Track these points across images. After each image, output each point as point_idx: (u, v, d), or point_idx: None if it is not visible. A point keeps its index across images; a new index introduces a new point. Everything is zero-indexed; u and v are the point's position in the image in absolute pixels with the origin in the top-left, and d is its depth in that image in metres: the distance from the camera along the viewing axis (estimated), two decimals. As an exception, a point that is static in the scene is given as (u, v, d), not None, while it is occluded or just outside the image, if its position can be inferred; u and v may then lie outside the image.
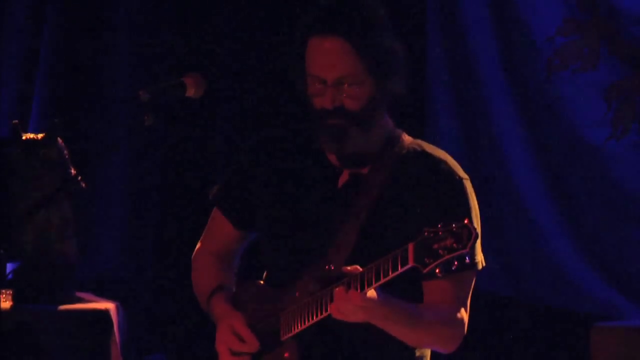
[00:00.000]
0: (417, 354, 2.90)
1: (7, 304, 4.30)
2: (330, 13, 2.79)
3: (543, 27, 5.11)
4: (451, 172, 2.85)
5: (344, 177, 2.89)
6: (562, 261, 5.10)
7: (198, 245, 3.15)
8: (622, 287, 5.02)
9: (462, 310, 2.82)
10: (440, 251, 2.50)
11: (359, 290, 2.62)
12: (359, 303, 2.63)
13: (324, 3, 2.83)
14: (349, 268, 2.67)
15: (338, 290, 2.65)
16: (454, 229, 2.50)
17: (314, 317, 2.73)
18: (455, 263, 2.51)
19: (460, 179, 2.85)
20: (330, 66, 2.77)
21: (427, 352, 2.94)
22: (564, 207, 5.12)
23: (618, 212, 5.02)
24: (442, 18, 5.29)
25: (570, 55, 5.06)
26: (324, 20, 2.79)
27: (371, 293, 2.64)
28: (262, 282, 3.00)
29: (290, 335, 2.82)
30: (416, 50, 5.09)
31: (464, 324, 2.83)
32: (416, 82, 4.98)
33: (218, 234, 3.08)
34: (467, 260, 2.53)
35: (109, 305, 4.36)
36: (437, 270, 2.51)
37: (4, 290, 4.36)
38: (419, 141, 2.94)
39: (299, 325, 2.78)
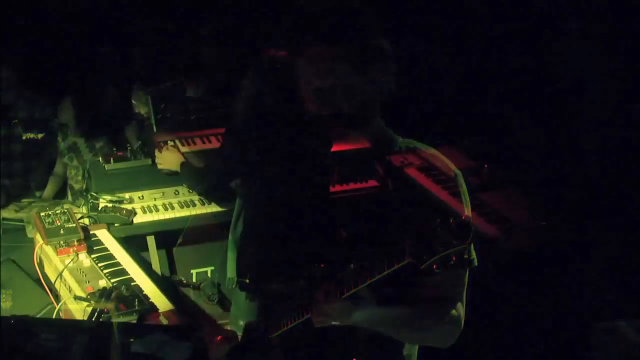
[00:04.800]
0: (405, 352, 2.91)
1: (7, 304, 4.31)
2: (322, 18, 2.80)
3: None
4: (444, 168, 2.87)
5: (336, 176, 2.91)
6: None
7: None
8: (620, 287, 5.03)
9: (459, 305, 2.84)
10: (439, 247, 2.47)
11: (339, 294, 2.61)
12: (336, 309, 2.63)
13: (316, 9, 2.84)
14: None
15: (317, 296, 2.66)
16: (452, 225, 2.47)
17: (302, 316, 2.74)
18: (454, 258, 2.47)
19: (455, 175, 2.87)
20: (324, 71, 2.78)
21: (414, 351, 2.94)
22: (561, 207, 5.13)
23: (615, 211, 5.03)
24: (436, 18, 5.31)
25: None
26: (316, 26, 2.80)
27: (352, 305, 2.63)
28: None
29: (278, 332, 2.82)
30: (411, 50, 5.11)
31: (460, 321, 2.84)
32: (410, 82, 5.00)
33: None
34: (465, 255, 2.50)
35: (109, 305, 4.36)
36: (434, 267, 2.48)
37: (4, 291, 4.37)
38: (410, 140, 2.96)
39: (287, 323, 2.78)
